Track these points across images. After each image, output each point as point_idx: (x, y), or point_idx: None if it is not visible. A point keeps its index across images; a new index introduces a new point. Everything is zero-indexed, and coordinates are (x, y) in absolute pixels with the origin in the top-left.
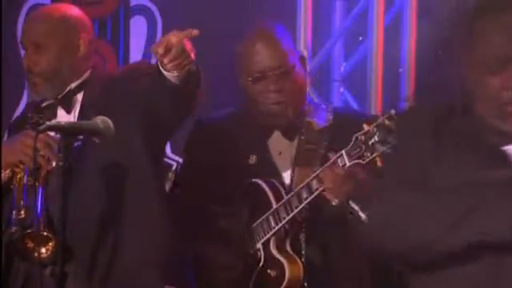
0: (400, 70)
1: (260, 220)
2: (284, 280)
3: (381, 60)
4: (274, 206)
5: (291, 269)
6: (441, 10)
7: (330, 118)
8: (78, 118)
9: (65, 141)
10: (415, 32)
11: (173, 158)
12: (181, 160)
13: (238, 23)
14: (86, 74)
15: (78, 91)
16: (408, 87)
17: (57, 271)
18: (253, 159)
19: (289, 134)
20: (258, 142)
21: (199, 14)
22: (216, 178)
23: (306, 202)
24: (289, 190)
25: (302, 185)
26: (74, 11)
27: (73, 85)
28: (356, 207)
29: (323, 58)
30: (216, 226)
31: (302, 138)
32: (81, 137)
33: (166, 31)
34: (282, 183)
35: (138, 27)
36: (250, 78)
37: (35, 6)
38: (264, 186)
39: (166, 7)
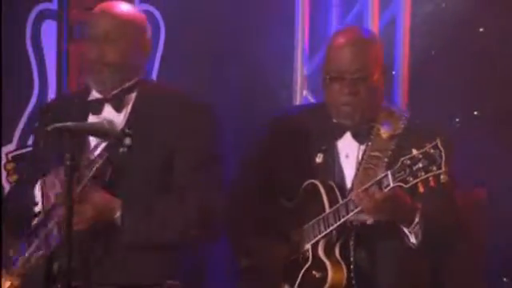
0: (393, 72)
1: (312, 222)
2: (326, 284)
3: None
4: (327, 210)
5: (334, 274)
6: (434, 14)
7: (401, 126)
8: (129, 118)
9: (72, 141)
10: (408, 36)
11: None
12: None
13: (239, 27)
14: (137, 77)
15: (131, 91)
16: (401, 90)
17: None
18: (320, 158)
19: (359, 138)
20: (327, 141)
21: (201, 18)
22: (283, 173)
23: (346, 218)
24: (348, 194)
25: (349, 197)
26: (139, 12)
27: (126, 85)
28: (406, 230)
29: (320, 61)
30: (276, 219)
31: (369, 143)
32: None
33: (168, 36)
34: (344, 187)
35: None
36: (328, 76)
37: (43, 11)
38: (321, 188)
39: (169, 12)
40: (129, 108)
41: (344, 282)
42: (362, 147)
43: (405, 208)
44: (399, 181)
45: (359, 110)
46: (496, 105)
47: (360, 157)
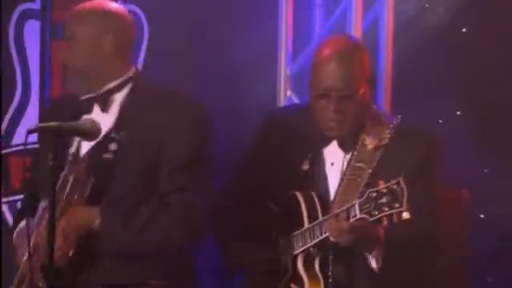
0: (377, 74)
1: (292, 235)
2: None
3: None
4: (305, 224)
5: None
6: (417, 15)
7: (388, 136)
8: (117, 119)
9: (54, 141)
10: (392, 36)
11: None
12: None
13: (222, 27)
14: (127, 75)
15: (117, 91)
16: (385, 91)
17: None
18: (306, 165)
19: (345, 147)
20: (315, 148)
21: (184, 18)
22: (270, 178)
23: (320, 239)
24: (331, 205)
25: (326, 217)
26: (112, 8)
27: (111, 84)
28: (368, 256)
29: (304, 61)
30: (263, 224)
31: (355, 153)
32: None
33: (152, 36)
34: (327, 196)
35: None
36: (314, 93)
37: (26, 11)
38: (301, 201)
39: (153, 12)
40: (117, 108)
41: None
42: (348, 156)
43: (368, 239)
44: (365, 213)
45: (346, 124)
46: (479, 105)
47: (344, 166)
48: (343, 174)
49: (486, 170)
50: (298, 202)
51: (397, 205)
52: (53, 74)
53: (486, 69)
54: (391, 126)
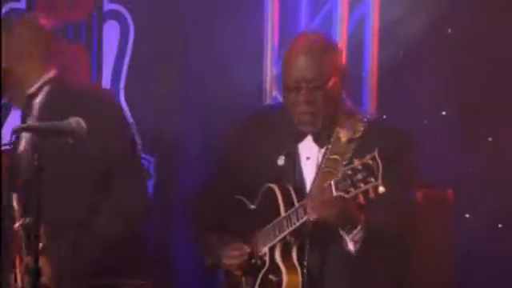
0: (363, 74)
1: (268, 226)
2: None
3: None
4: (282, 214)
5: (289, 279)
6: (403, 14)
7: (361, 129)
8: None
9: (39, 141)
10: (377, 36)
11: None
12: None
13: (208, 27)
14: (44, 79)
15: (35, 96)
16: (370, 92)
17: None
18: (281, 160)
19: (320, 141)
20: (289, 144)
21: (170, 18)
22: (246, 174)
23: (297, 225)
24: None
25: (300, 203)
26: (36, 20)
27: (30, 90)
28: (347, 238)
29: None
30: (238, 220)
31: (329, 146)
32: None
33: (137, 36)
34: (303, 189)
35: (111, 32)
36: (286, 88)
37: (12, 11)
38: (277, 192)
39: (139, 13)
40: (36, 113)
41: (299, 286)
42: (322, 150)
43: (349, 216)
44: (341, 191)
45: (319, 117)
46: (464, 105)
47: (319, 160)
48: (318, 167)
49: (470, 170)
50: (275, 194)
51: (372, 179)
52: None
53: (471, 69)
54: (365, 120)
